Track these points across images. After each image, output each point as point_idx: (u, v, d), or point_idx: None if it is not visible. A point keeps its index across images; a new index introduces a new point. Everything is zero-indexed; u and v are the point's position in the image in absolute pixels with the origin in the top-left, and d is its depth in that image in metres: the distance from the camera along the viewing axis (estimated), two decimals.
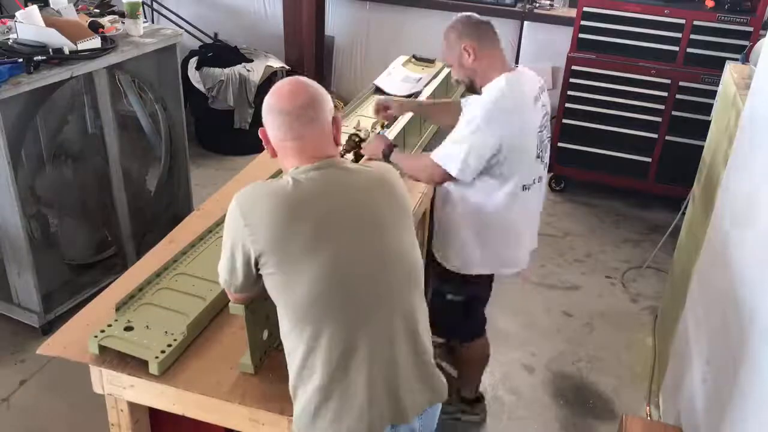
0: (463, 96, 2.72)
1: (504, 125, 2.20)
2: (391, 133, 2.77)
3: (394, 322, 1.59)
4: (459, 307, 2.55)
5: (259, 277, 1.59)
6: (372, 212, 1.61)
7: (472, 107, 2.27)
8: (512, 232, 2.42)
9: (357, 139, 2.81)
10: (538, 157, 2.34)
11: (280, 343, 1.66)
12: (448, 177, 2.28)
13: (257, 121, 4.83)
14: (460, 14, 2.39)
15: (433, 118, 2.93)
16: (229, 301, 1.74)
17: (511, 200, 2.32)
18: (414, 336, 1.64)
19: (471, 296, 2.57)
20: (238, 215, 1.55)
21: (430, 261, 2.57)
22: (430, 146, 3.18)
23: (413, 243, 1.69)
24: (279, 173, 2.74)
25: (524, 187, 2.33)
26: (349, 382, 1.55)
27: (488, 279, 2.59)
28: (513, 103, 2.23)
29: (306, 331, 1.54)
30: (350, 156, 2.75)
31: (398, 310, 1.61)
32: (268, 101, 1.63)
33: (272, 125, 1.63)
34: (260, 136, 1.67)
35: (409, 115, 2.95)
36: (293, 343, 1.57)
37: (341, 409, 1.55)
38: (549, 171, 4.63)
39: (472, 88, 2.36)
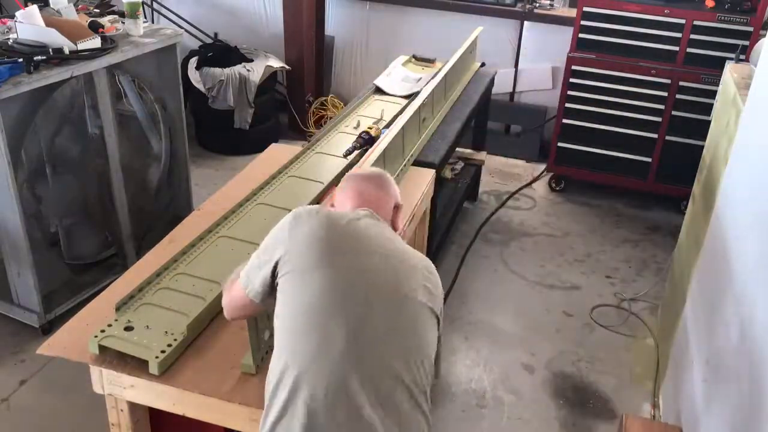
0: None
1: None
2: (390, 134, 2.77)
3: (384, 383, 1.46)
4: None
5: (272, 290, 1.59)
6: (399, 277, 1.57)
7: None
8: None
9: (367, 137, 2.77)
10: None
11: None
12: None
13: (257, 121, 4.87)
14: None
15: None
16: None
17: None
18: (412, 411, 1.49)
19: None
20: (290, 218, 1.62)
21: None
22: (429, 145, 3.19)
23: (428, 329, 1.58)
24: (280, 174, 2.76)
25: None
26: (292, 419, 1.44)
27: None
28: None
29: (281, 361, 1.49)
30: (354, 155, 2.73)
31: (396, 377, 1.48)
32: (349, 180, 1.82)
33: (345, 193, 1.78)
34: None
35: (409, 113, 2.95)
36: (271, 368, 1.54)
37: None
38: (548, 171, 4.68)
39: None
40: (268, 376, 1.53)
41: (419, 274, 1.61)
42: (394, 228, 1.76)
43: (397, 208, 1.79)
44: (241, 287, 1.65)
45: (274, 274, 1.57)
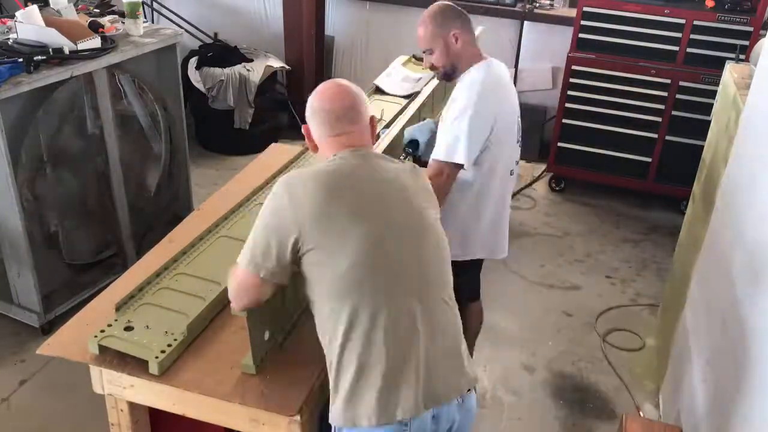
0: None
1: (496, 104, 2.32)
2: (390, 134, 2.77)
3: (431, 294, 1.66)
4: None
5: (290, 265, 1.62)
6: (404, 192, 1.72)
7: (462, 93, 2.32)
8: (503, 216, 2.53)
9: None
10: (517, 142, 2.47)
11: (282, 343, 1.66)
12: (458, 168, 2.30)
13: (257, 121, 4.87)
14: (438, 2, 2.41)
15: None
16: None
17: (500, 185, 2.43)
18: (451, 309, 1.71)
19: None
20: (283, 193, 1.63)
21: None
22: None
23: (438, 220, 1.79)
24: (279, 174, 2.75)
25: (511, 172, 2.46)
26: (393, 357, 1.57)
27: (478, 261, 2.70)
28: (499, 83, 2.38)
29: (346, 307, 1.58)
30: None
31: (436, 282, 1.69)
32: (313, 103, 1.76)
33: (317, 123, 1.76)
34: (303, 132, 1.81)
35: (409, 113, 2.95)
36: (333, 325, 1.60)
37: (389, 385, 1.57)
38: (548, 171, 4.68)
39: (449, 77, 2.41)
40: (333, 334, 1.60)
41: (417, 190, 1.76)
42: (372, 141, 1.82)
43: (371, 121, 1.81)
44: (249, 272, 1.64)
45: (294, 251, 1.61)
